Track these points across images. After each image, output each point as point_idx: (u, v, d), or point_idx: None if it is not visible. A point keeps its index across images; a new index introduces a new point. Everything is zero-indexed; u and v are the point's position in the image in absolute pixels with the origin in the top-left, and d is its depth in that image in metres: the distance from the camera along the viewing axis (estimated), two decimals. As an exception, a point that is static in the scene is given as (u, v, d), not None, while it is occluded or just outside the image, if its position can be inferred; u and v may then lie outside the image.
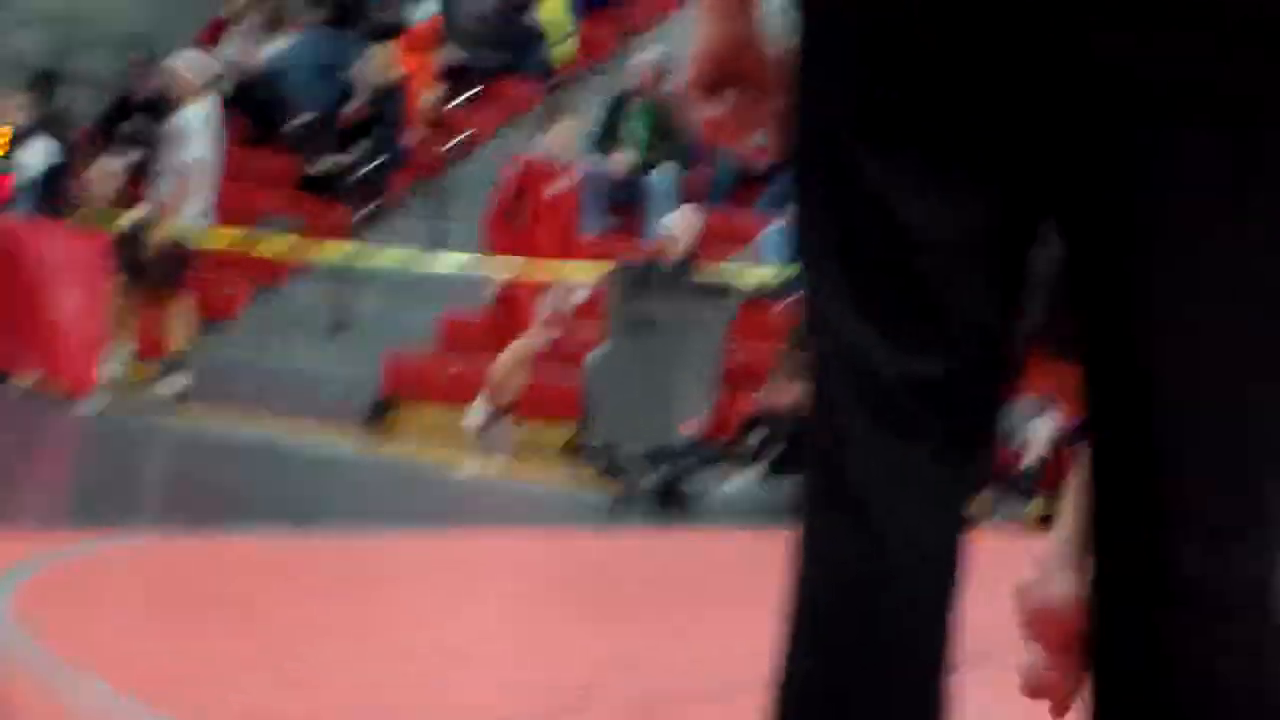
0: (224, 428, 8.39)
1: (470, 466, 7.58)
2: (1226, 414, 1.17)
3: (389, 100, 10.50)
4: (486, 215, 8.17)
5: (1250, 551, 1.16)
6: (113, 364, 8.93)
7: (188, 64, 9.04)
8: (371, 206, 10.50)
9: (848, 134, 1.24)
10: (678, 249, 7.60)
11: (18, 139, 8.71)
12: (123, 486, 6.48)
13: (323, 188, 10.61)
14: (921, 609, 1.22)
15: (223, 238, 9.42)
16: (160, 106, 9.27)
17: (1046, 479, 7.69)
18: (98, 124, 10.74)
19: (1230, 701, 1.17)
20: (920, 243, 1.22)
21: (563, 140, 7.81)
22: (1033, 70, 1.17)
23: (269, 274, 10.39)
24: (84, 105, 10.94)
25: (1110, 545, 1.22)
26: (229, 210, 9.72)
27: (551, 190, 7.77)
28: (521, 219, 7.78)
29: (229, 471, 7.17)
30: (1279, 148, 1.14)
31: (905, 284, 1.22)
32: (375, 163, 10.50)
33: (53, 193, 9.04)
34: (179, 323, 8.91)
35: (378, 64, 10.51)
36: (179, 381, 8.79)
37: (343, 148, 10.58)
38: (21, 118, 9.19)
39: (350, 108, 10.65)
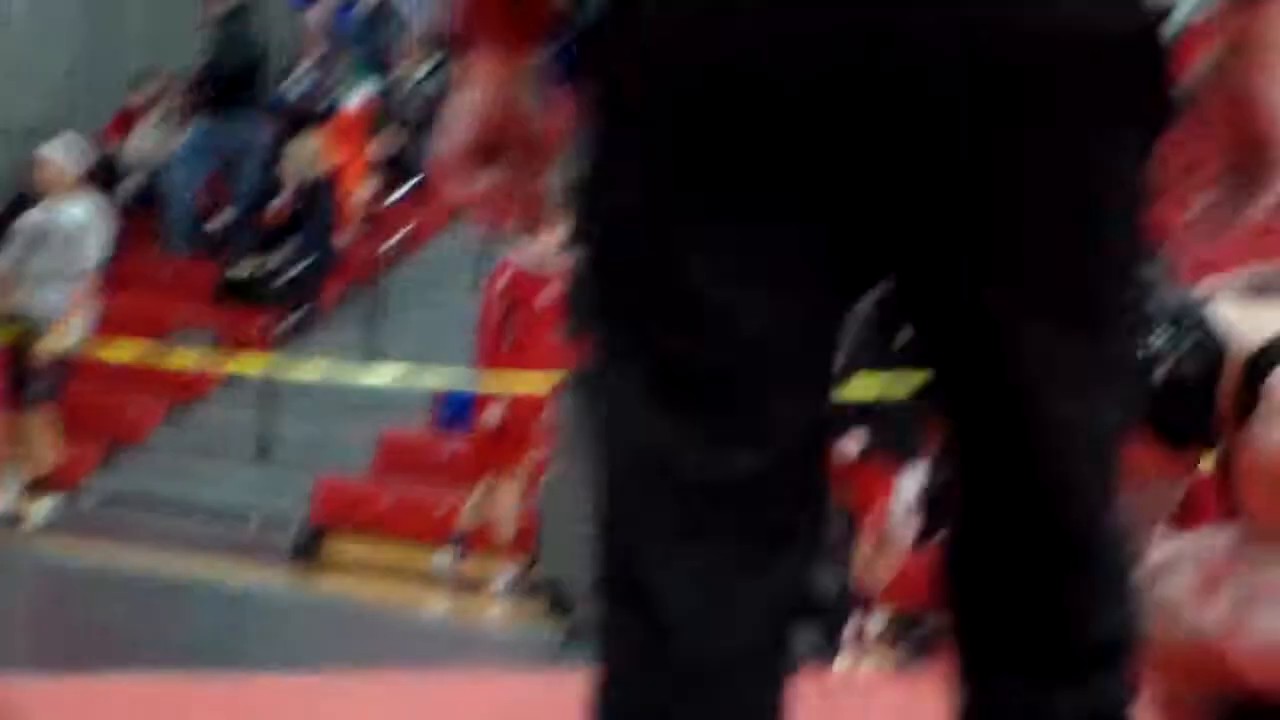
0: (126, 562, 7.79)
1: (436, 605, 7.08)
2: (1086, 412, 1.27)
3: (317, 195, 9.91)
4: (478, 334, 7.64)
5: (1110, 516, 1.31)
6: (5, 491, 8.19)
7: (61, 152, 8.26)
8: (299, 314, 9.97)
9: (660, 217, 1.23)
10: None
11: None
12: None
13: (244, 293, 10.06)
14: (732, 709, 1.23)
15: (129, 350, 8.81)
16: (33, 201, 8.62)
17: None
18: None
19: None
20: (738, 330, 1.23)
21: (549, 244, 7.39)
22: (860, 113, 1.20)
23: (183, 391, 9.73)
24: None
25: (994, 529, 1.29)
26: (137, 320, 9.19)
27: (542, 300, 7.33)
28: (512, 335, 7.39)
29: (125, 610, 6.59)
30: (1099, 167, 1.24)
31: (719, 377, 1.23)
32: (303, 265, 9.97)
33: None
34: (44, 442, 8.12)
35: (305, 154, 9.89)
36: (47, 508, 8.06)
37: (266, 249, 10.06)
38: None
39: (274, 205, 10.00)
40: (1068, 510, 1.29)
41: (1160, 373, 1.96)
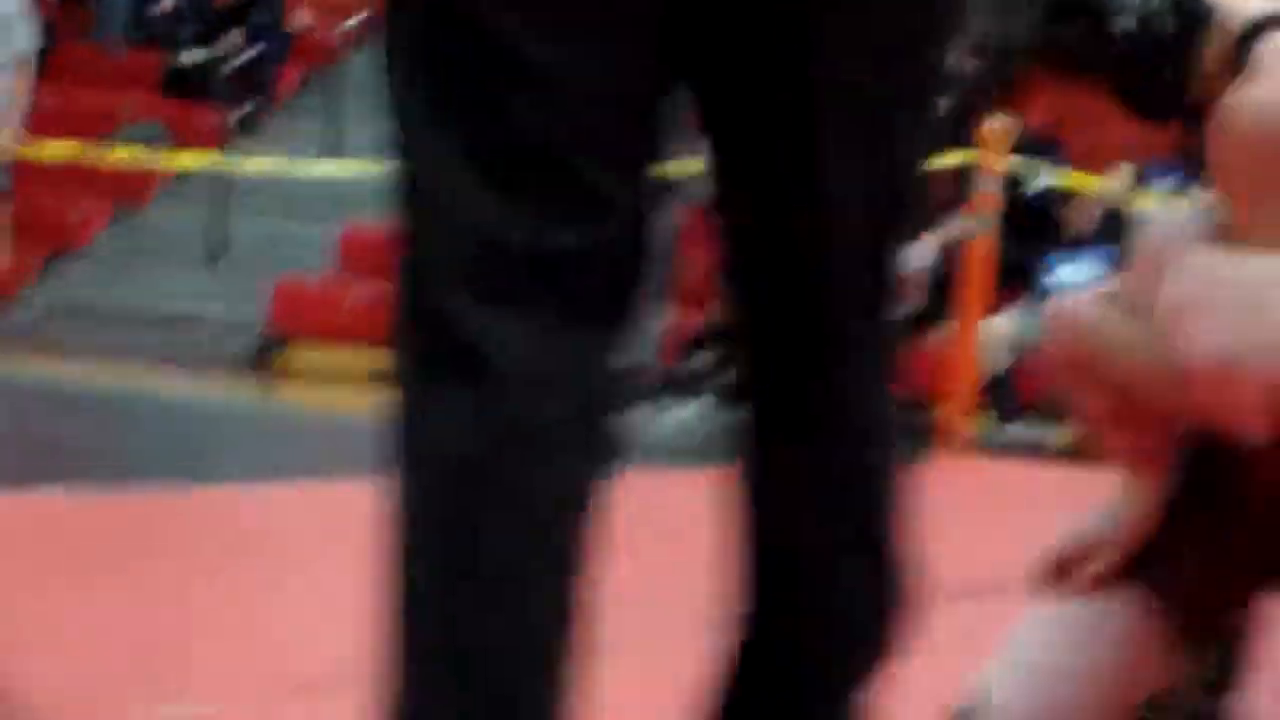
0: (72, 376, 7.78)
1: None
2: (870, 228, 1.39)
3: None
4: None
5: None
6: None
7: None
8: (251, 105, 9.78)
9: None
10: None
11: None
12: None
13: (191, 85, 9.85)
14: (558, 469, 1.30)
15: (68, 149, 8.54)
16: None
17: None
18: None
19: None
20: (560, 94, 1.27)
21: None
22: None
23: (128, 191, 9.54)
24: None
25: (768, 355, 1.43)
26: (75, 116, 9.00)
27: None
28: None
29: (74, 426, 6.55)
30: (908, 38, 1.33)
31: (540, 149, 1.28)
32: (255, 51, 9.77)
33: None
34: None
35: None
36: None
37: (214, 35, 9.88)
38: None
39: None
40: (831, 297, 1.39)
41: (1127, 22, 1.79)
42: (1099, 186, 7.87)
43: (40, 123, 8.49)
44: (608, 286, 1.32)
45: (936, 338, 7.48)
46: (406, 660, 1.30)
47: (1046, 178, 7.93)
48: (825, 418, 1.43)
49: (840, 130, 1.32)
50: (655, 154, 1.34)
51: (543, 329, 1.29)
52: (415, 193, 1.32)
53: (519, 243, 1.28)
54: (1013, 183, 7.70)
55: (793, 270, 1.39)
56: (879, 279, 1.41)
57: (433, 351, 1.31)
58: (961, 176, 7.34)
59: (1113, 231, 7.99)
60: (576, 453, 1.32)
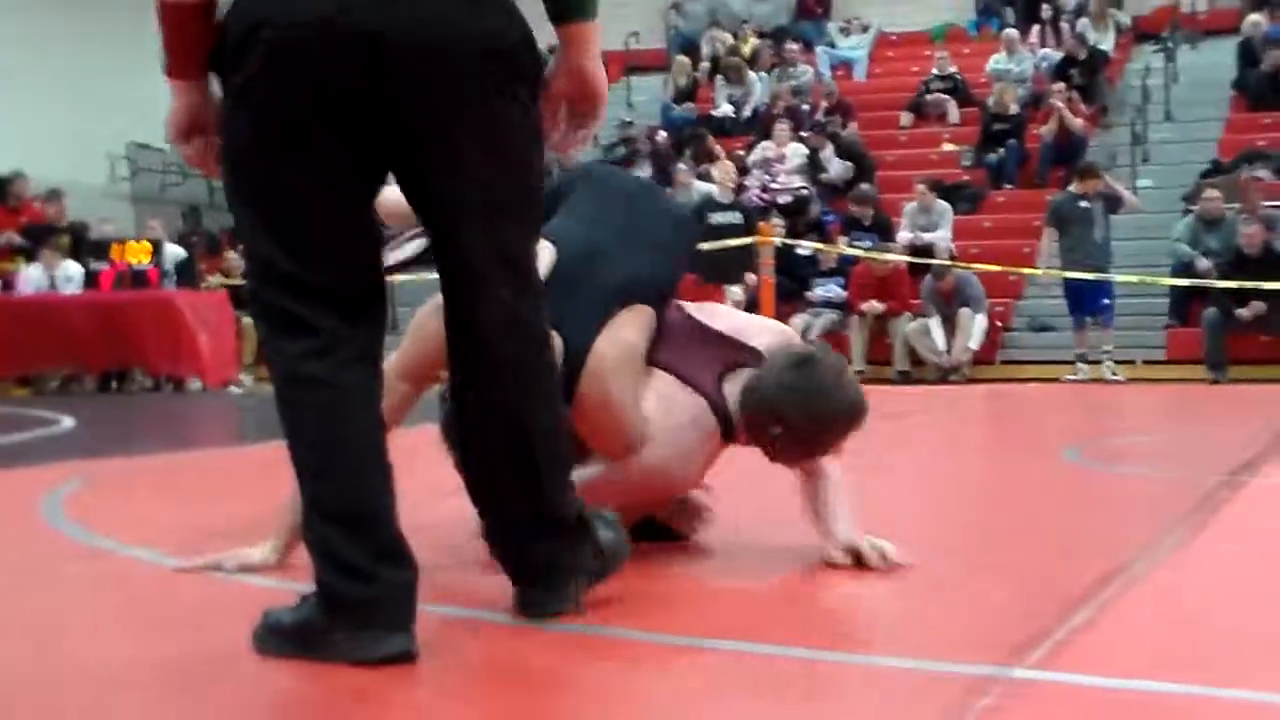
0: None
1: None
2: (489, 223, 2.34)
3: None
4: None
5: (508, 284, 2.37)
6: (244, 370, 13.22)
7: None
8: None
9: (278, 138, 2.23)
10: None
11: (157, 247, 13.09)
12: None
13: None
14: (357, 391, 2.31)
15: None
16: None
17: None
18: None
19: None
20: (310, 209, 2.27)
21: None
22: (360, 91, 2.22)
23: None
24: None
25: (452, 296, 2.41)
26: None
27: None
28: None
29: None
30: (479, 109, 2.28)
31: (304, 223, 2.27)
32: None
33: (185, 275, 13.61)
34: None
35: None
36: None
37: None
38: (159, 233, 13.83)
39: None
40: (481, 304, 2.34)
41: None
42: (829, 249, 14.37)
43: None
44: (355, 300, 2.29)
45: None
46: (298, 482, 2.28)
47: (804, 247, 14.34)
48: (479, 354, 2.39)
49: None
50: (370, 228, 2.36)
51: (325, 321, 2.24)
52: (253, 245, 2.31)
53: (296, 276, 2.24)
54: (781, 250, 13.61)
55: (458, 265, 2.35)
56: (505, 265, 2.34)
57: (278, 323, 2.28)
58: (752, 250, 13.06)
59: (839, 270, 14.59)
60: (353, 395, 2.27)
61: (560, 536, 2.48)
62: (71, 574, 3.31)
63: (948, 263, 13.66)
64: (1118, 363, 12.98)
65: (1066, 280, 13.00)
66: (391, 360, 2.87)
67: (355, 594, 2.22)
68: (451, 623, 2.60)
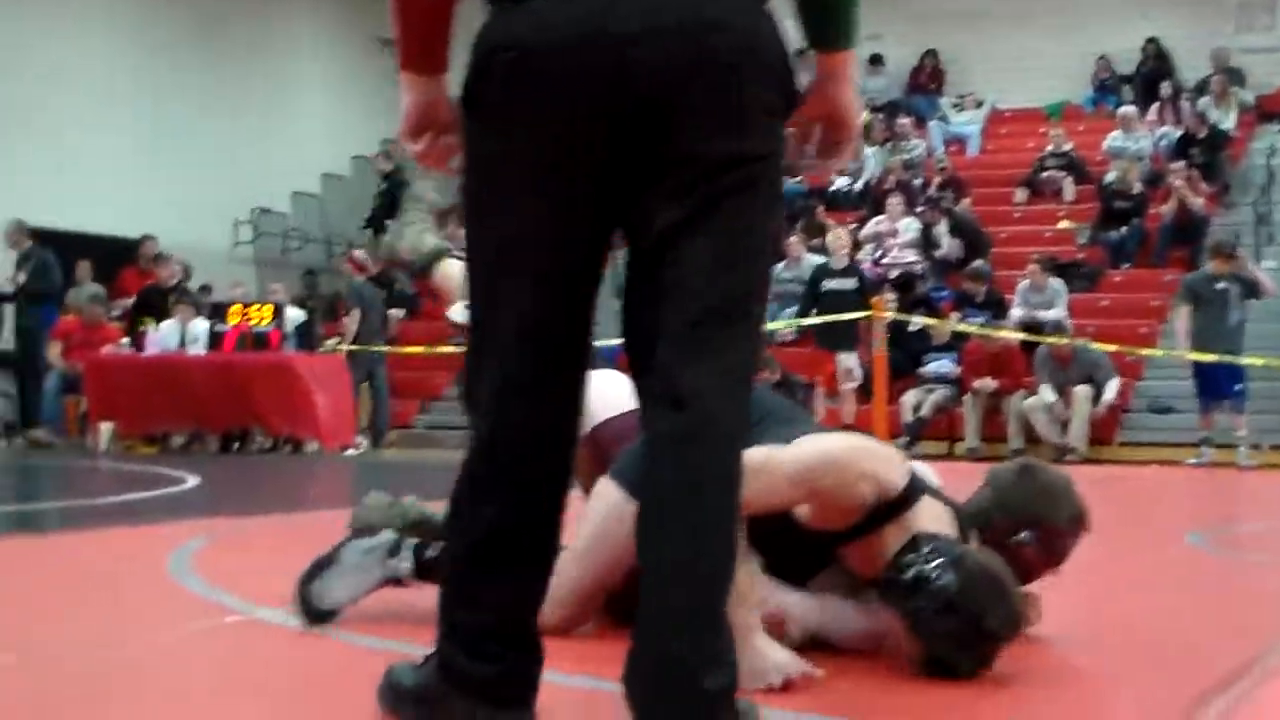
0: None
1: None
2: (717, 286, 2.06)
3: None
4: None
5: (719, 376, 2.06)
6: (359, 433, 13.72)
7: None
8: None
9: (515, 168, 2.07)
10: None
11: (278, 310, 13.41)
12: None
13: None
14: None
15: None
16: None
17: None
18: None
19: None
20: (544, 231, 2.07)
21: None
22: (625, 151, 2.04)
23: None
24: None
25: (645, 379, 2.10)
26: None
27: None
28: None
29: None
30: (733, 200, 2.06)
31: (534, 262, 2.09)
32: None
33: (305, 338, 13.92)
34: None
35: None
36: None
37: None
38: (281, 296, 14.24)
39: None
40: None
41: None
42: (941, 325, 14.29)
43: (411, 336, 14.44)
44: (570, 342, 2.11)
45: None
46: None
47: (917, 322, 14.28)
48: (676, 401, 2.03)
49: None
50: (597, 270, 2.13)
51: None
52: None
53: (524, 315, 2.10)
54: (897, 324, 13.78)
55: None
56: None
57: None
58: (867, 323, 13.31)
59: (951, 346, 14.51)
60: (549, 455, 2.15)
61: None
62: (200, 632, 3.36)
63: (1064, 340, 13.49)
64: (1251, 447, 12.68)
65: (1197, 362, 12.70)
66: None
67: (477, 671, 2.18)
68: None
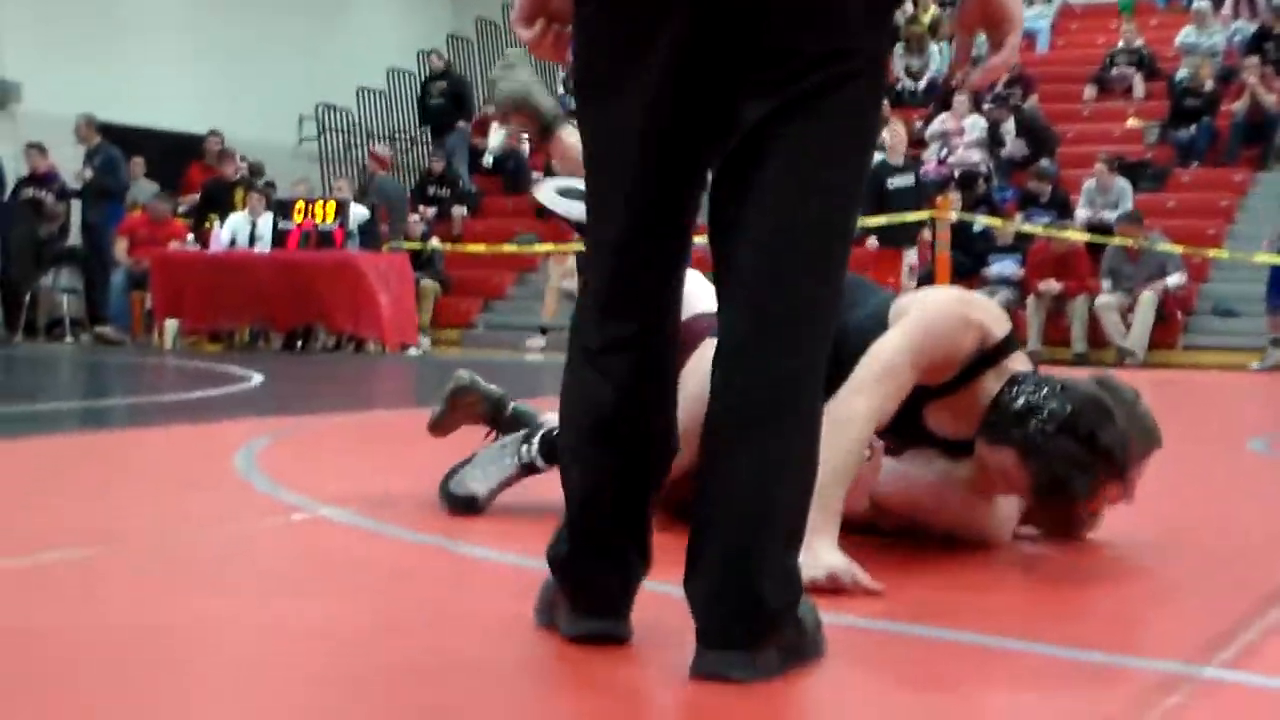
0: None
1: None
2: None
3: None
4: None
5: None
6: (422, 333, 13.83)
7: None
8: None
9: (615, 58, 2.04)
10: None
11: (341, 208, 13.39)
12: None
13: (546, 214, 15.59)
14: (642, 357, 2.13)
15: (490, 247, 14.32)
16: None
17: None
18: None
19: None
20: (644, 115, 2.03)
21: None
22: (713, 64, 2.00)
23: (525, 265, 15.56)
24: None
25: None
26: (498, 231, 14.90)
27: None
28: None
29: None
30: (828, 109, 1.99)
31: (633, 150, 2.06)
32: None
33: (369, 236, 14.00)
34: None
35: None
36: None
37: None
38: (345, 194, 14.21)
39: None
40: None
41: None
42: (1005, 226, 14.18)
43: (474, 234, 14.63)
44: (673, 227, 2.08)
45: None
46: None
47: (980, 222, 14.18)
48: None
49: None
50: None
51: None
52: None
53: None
54: (960, 225, 13.78)
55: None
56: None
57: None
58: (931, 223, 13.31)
59: (1015, 247, 14.38)
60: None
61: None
62: (269, 529, 3.44)
63: (1129, 240, 13.35)
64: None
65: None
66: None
67: (564, 575, 2.21)
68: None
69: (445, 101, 18.27)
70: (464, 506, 3.45)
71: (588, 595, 2.20)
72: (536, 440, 3.45)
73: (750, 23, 2.00)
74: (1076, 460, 2.79)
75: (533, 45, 2.24)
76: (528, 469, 3.49)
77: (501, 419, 3.56)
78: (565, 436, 2.20)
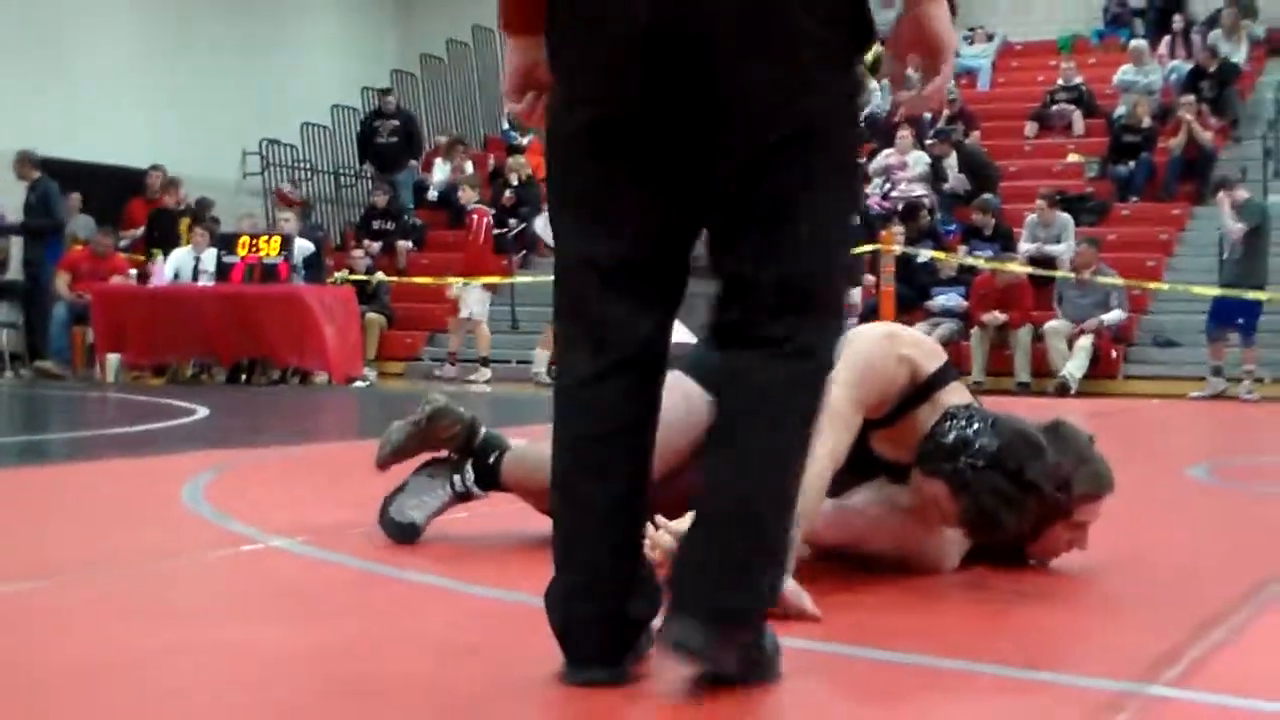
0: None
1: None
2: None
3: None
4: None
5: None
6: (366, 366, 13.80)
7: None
8: (521, 254, 15.48)
9: (592, 146, 2.08)
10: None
11: (285, 241, 13.25)
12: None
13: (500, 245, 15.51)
14: (634, 383, 2.12)
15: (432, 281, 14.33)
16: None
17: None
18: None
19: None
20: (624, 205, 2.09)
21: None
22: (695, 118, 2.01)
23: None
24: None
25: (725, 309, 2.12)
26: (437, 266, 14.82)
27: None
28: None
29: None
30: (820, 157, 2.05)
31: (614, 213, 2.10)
32: (521, 227, 15.63)
33: (314, 270, 13.95)
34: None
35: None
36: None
37: (505, 221, 15.46)
38: (289, 228, 14.11)
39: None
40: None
41: None
42: (948, 258, 14.30)
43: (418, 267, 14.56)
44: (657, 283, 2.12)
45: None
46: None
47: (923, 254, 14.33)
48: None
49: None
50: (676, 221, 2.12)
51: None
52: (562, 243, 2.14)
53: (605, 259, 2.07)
54: (904, 258, 13.82)
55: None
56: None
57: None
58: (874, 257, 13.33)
59: (959, 280, 14.51)
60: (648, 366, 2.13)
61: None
62: (220, 559, 3.42)
63: (1070, 274, 13.50)
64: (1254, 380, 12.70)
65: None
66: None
67: (551, 621, 2.17)
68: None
69: (398, 140, 18.25)
70: (405, 534, 3.49)
71: (577, 640, 2.15)
72: (469, 468, 3.49)
73: (698, 71, 2.02)
74: (1003, 495, 2.84)
75: (523, 115, 2.31)
76: (462, 497, 3.53)
77: (473, 444, 3.56)
78: (557, 471, 2.19)
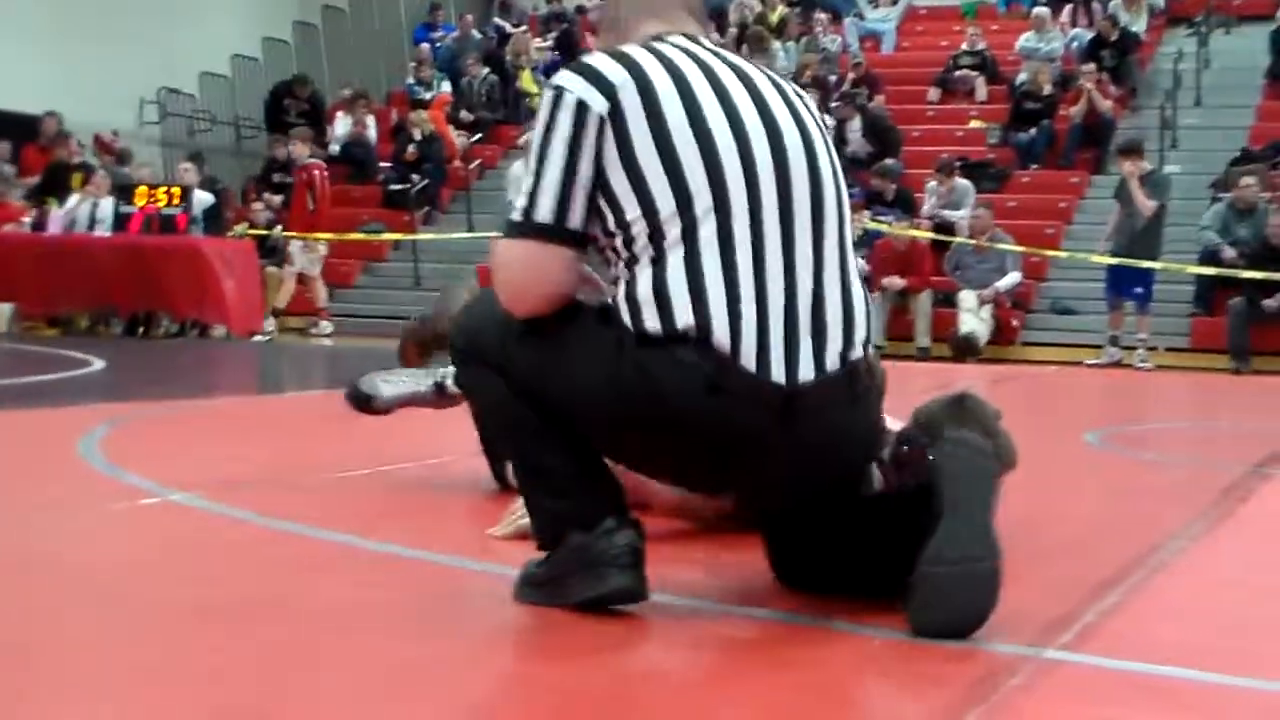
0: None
1: None
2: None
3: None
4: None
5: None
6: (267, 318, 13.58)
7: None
8: (425, 210, 15.54)
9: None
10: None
11: (185, 192, 13.11)
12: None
13: (396, 200, 15.74)
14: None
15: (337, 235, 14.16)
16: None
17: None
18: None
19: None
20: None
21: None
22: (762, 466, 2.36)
23: (372, 254, 15.72)
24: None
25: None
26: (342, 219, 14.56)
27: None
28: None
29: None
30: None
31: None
32: (427, 182, 15.59)
33: (213, 222, 13.73)
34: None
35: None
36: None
37: (408, 176, 15.56)
38: (191, 178, 13.92)
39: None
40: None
41: None
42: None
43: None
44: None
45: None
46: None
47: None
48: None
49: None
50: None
51: None
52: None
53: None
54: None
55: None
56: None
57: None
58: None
59: (859, 244, 14.58)
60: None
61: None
62: (118, 513, 3.37)
63: (969, 240, 13.65)
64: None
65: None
66: None
67: (583, 541, 2.33)
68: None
69: (305, 116, 17.93)
70: (362, 402, 3.44)
71: (603, 554, 2.33)
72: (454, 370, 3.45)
73: None
74: None
75: None
76: (440, 389, 3.48)
77: None
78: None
